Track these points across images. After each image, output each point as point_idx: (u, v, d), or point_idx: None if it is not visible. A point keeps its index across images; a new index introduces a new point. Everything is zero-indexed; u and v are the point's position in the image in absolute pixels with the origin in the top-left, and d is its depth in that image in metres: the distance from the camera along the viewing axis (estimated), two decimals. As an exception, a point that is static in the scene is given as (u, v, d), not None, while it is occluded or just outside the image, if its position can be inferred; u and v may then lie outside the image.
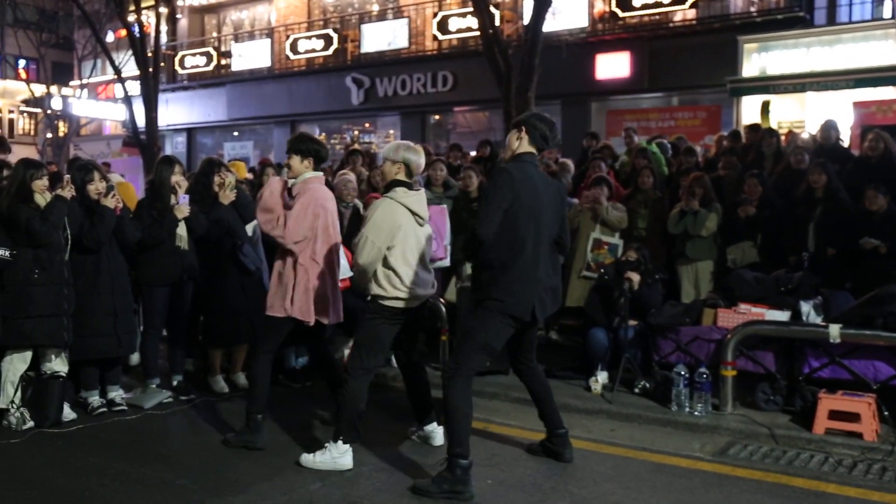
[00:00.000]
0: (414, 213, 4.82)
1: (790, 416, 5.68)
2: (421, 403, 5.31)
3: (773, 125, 12.39)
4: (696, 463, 5.03)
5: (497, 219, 4.42)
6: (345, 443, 4.77)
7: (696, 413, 5.75)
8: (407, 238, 4.79)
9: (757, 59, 14.09)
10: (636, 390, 6.27)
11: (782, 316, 6.02)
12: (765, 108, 13.14)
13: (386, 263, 4.75)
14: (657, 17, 16.29)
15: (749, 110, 13.94)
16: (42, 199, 5.49)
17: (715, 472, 4.87)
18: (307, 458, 4.82)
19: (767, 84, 13.23)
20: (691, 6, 15.54)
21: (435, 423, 5.26)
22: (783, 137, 9.80)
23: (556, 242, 4.73)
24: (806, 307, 5.99)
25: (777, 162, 8.51)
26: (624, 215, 7.68)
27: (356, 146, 12.57)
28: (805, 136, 9.72)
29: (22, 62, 31.16)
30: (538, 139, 4.66)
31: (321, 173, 5.39)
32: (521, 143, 4.69)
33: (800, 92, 13.10)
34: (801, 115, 13.58)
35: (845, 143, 9.02)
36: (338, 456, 4.77)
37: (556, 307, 4.77)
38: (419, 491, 4.42)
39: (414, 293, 4.82)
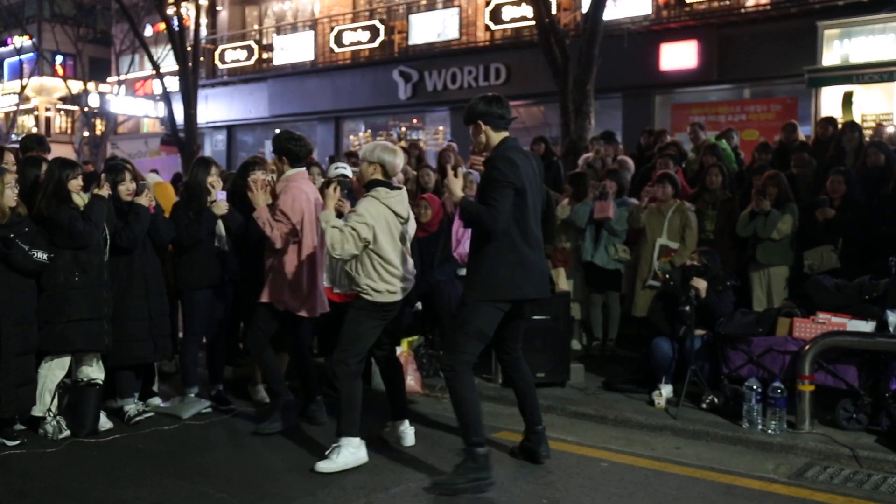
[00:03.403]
0: (395, 213, 5.13)
1: (875, 437, 5.54)
2: (397, 401, 5.58)
3: (857, 118, 12.12)
4: (770, 485, 4.94)
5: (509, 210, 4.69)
6: (352, 436, 5.03)
7: (769, 431, 5.66)
8: (393, 234, 5.12)
9: (838, 47, 13.80)
10: (703, 405, 6.19)
11: (866, 326, 5.88)
12: (847, 99, 12.85)
13: (373, 260, 5.07)
14: (727, 2, 16.08)
15: (829, 102, 13.66)
16: (79, 199, 5.65)
17: (791, 495, 4.79)
18: (325, 465, 4.99)
19: (850, 73, 12.94)
20: (765, -10, 15.32)
21: (407, 422, 5.53)
22: (868, 131, 9.60)
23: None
24: (893, 317, 5.84)
25: (859, 158, 8.32)
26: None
27: (403, 143, 12.65)
28: (890, 129, 9.50)
29: (59, 58, 32.07)
30: (498, 121, 4.83)
31: (302, 170, 5.93)
32: (488, 136, 4.83)
33: (887, 82, 12.77)
34: (888, 108, 13.25)
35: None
36: (354, 450, 5.02)
37: (546, 291, 5.06)
38: (443, 486, 4.69)
39: (400, 286, 5.18)
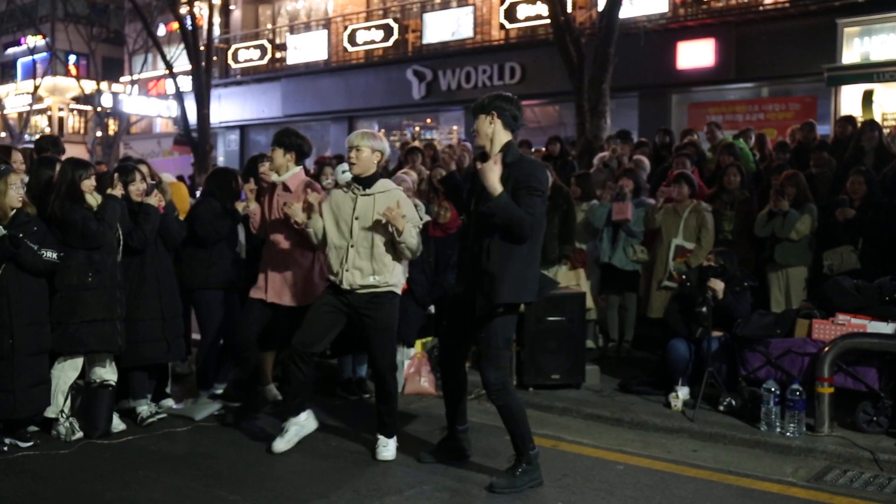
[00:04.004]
0: None
1: (896, 440, 5.52)
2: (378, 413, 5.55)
3: (877, 117, 12.05)
4: (789, 489, 4.92)
5: None
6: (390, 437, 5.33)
7: (788, 434, 5.63)
8: None
9: (858, 45, 13.73)
10: (721, 408, 6.17)
11: (887, 328, 5.84)
12: (867, 98, 12.79)
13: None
14: (745, -1, 16.02)
15: (849, 101, 13.58)
16: (92, 199, 5.68)
17: (810, 499, 4.77)
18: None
19: (871, 72, 12.86)
20: (784, -13, 15.23)
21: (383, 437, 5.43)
22: (888, 130, 9.53)
23: None
24: (914, 318, 5.81)
25: (879, 158, 8.26)
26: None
27: (416, 143, 12.67)
28: (913, 128, 9.43)
29: (72, 58, 32.28)
30: (510, 121, 4.81)
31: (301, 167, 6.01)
32: (495, 130, 4.79)
33: (908, 80, 12.69)
34: (910, 106, 13.18)
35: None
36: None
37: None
38: (503, 489, 4.73)
39: None
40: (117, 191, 5.75)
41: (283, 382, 5.95)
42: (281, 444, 5.31)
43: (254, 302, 5.94)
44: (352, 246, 5.20)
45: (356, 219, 5.20)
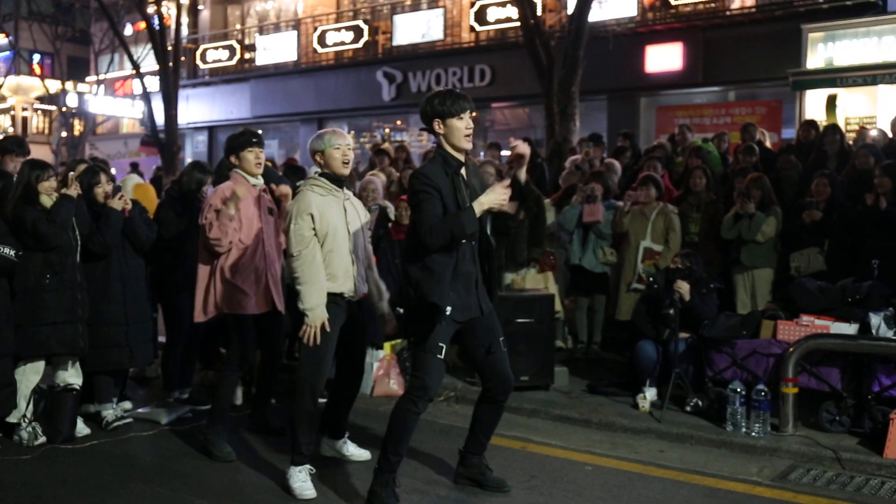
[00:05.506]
0: None
1: (858, 439, 5.60)
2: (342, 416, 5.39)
3: (840, 122, 12.22)
4: (754, 488, 4.97)
5: None
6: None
7: (753, 434, 5.70)
8: None
9: (823, 50, 13.89)
10: (688, 408, 6.22)
11: (849, 329, 5.94)
12: (830, 102, 12.97)
13: None
14: (712, 4, 16.16)
15: (813, 105, 13.76)
16: (49, 200, 5.57)
17: (774, 498, 4.82)
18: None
19: (834, 76, 13.01)
20: (750, -8, 15.41)
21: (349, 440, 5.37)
22: (851, 134, 9.66)
23: None
24: (876, 319, 5.89)
25: (841, 161, 8.40)
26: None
27: (386, 145, 12.65)
28: (874, 132, 9.58)
29: (36, 57, 31.82)
30: None
31: None
32: None
33: (871, 85, 12.85)
34: (872, 111, 13.37)
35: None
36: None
37: None
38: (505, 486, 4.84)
39: None
40: (72, 190, 5.63)
41: (295, 423, 4.96)
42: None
43: (248, 319, 5.40)
44: (352, 252, 4.90)
45: (348, 223, 4.91)
